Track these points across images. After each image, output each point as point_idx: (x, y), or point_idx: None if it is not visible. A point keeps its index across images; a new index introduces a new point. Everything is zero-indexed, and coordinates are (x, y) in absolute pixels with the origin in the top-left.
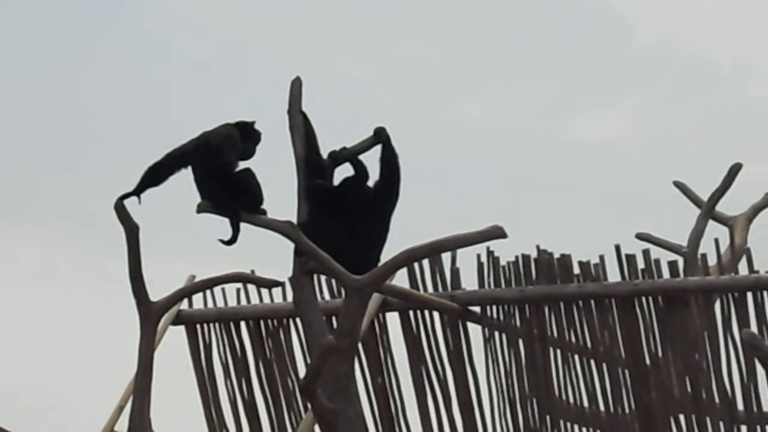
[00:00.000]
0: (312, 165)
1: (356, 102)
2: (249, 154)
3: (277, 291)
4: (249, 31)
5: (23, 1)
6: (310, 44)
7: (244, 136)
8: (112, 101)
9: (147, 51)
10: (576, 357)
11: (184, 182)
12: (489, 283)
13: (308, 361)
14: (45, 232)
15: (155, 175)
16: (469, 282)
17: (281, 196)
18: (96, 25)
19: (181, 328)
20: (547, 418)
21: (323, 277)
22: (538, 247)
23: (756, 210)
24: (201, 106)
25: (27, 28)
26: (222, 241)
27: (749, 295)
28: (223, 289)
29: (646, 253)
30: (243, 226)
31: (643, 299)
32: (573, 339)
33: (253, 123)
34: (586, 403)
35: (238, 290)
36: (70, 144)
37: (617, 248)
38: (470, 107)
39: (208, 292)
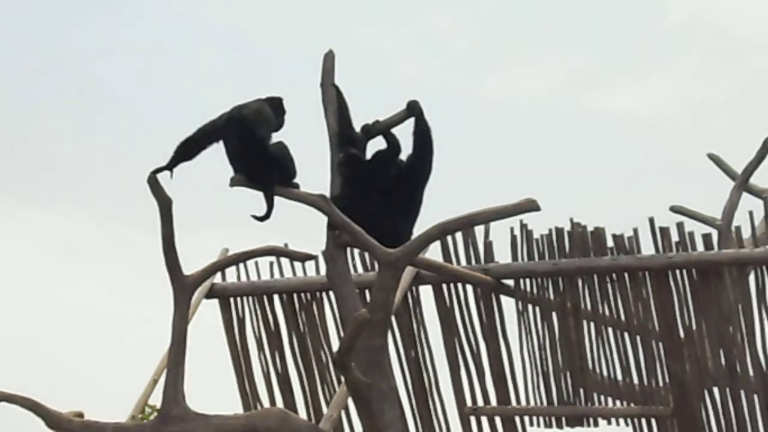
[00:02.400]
0: (345, 138)
1: (387, 74)
2: (278, 127)
3: (310, 264)
4: (283, 2)
5: None
6: (337, 16)
7: (274, 111)
8: (142, 75)
9: (173, 23)
10: (609, 330)
11: (216, 156)
12: (522, 256)
13: (341, 334)
14: (77, 206)
15: (187, 150)
16: (503, 255)
17: (314, 169)
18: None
19: (215, 302)
20: (581, 390)
21: (356, 251)
22: (571, 220)
23: None
24: (230, 80)
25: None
26: (255, 217)
27: None
28: (256, 263)
29: (680, 225)
30: (276, 200)
31: (677, 272)
32: (606, 312)
33: (281, 99)
34: (619, 376)
35: (272, 264)
36: (103, 118)
37: (651, 221)
38: (501, 79)
39: (241, 265)
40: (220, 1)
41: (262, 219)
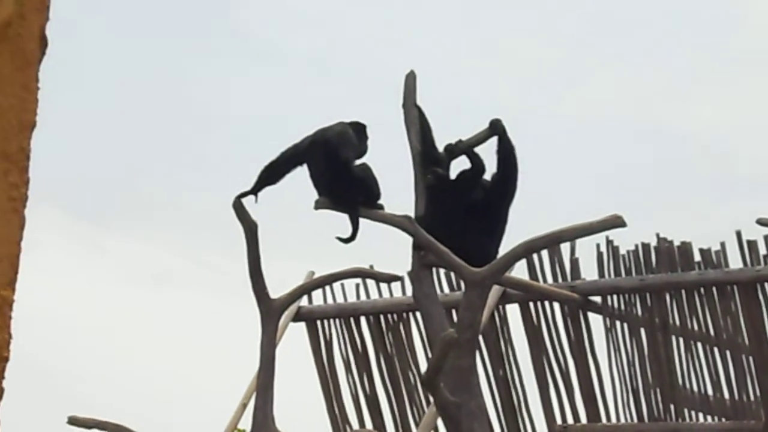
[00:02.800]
0: (428, 158)
1: (469, 94)
2: (362, 152)
3: (396, 285)
4: (359, 26)
5: (140, 9)
6: (419, 37)
7: (357, 136)
8: (226, 101)
9: (258, 50)
10: (699, 345)
11: (301, 179)
12: (609, 273)
13: (429, 354)
14: (163, 232)
15: (272, 174)
16: (589, 272)
17: (398, 190)
18: (207, 27)
19: (302, 325)
20: (671, 406)
21: (442, 271)
22: (657, 235)
23: None
24: (314, 103)
25: (143, 33)
26: (341, 239)
27: None
28: (342, 285)
29: (767, 238)
30: (361, 222)
31: (766, 285)
32: (695, 327)
33: (365, 125)
34: (710, 391)
35: (358, 285)
36: (187, 145)
37: (738, 234)
38: (582, 97)
39: (327, 288)
40: (298, 26)
41: (347, 241)
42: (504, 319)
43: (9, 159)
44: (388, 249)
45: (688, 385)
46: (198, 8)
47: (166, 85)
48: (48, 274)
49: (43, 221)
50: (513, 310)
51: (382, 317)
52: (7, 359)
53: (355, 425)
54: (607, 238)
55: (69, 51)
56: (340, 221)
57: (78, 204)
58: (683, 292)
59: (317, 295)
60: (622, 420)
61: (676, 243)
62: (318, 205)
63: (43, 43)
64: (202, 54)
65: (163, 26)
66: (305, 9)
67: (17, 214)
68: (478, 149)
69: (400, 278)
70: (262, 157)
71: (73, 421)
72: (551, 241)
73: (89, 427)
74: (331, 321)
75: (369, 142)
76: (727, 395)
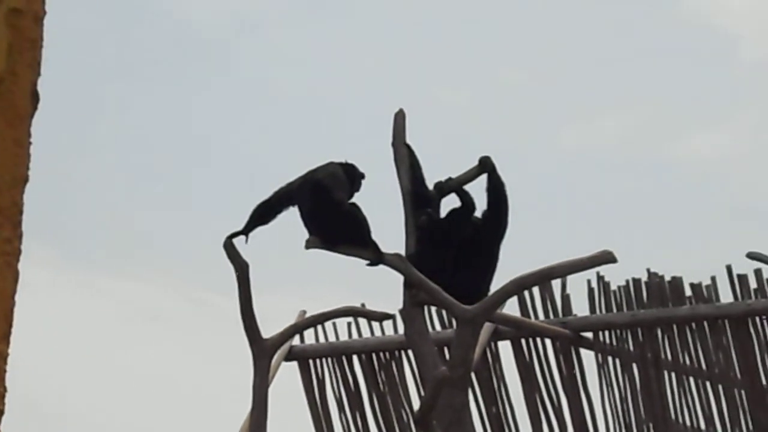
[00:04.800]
0: (418, 197)
1: (458, 131)
2: (353, 192)
3: (388, 324)
4: (347, 65)
5: (131, 48)
6: (408, 75)
7: (348, 175)
8: (214, 143)
9: (244, 90)
10: (691, 379)
11: (290, 219)
12: (600, 308)
13: (422, 392)
14: (155, 271)
15: (263, 214)
16: (580, 308)
17: (388, 228)
18: (192, 67)
19: (294, 364)
20: None
21: (434, 309)
22: (648, 270)
23: None
24: (301, 143)
25: (134, 72)
26: (370, 265)
27: None
28: (334, 324)
29: (758, 272)
30: (352, 260)
31: (757, 319)
32: (687, 361)
33: (354, 166)
34: (703, 426)
35: (350, 324)
36: (176, 185)
37: (729, 269)
38: (572, 131)
39: (319, 326)
40: (287, 65)
41: (374, 264)
42: (496, 356)
43: (2, 214)
44: (380, 287)
45: (681, 420)
46: (191, 47)
47: (157, 124)
48: (39, 313)
49: (33, 261)
50: (505, 347)
51: (374, 356)
52: (2, 412)
53: None
54: (597, 273)
55: (60, 91)
56: (331, 260)
57: (69, 244)
58: (675, 327)
59: (309, 334)
60: None
61: (667, 278)
62: (309, 245)
63: (35, 98)
64: (192, 93)
65: (154, 64)
66: (292, 47)
67: (11, 268)
68: (467, 187)
69: (392, 316)
70: (255, 197)
71: None
72: (542, 278)
73: None
74: (324, 360)
75: (361, 182)
76: (720, 430)
